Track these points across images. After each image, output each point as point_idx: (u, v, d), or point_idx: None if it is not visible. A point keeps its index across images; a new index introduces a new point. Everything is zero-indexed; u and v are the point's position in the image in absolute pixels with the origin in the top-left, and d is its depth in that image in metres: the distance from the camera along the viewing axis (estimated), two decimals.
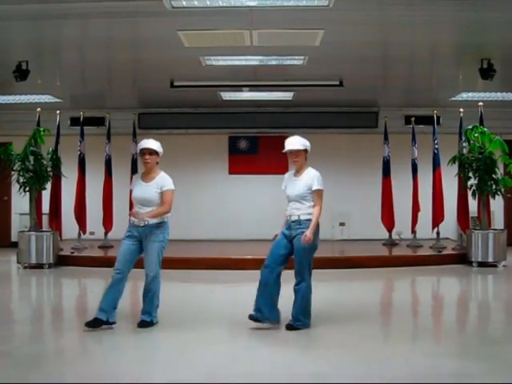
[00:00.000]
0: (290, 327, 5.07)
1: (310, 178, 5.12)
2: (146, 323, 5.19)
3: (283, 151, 5.18)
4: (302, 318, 5.12)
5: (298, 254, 5.08)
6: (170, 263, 8.90)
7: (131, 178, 10.54)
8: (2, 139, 10.89)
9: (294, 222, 5.07)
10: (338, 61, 8.45)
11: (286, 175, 5.33)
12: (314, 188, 5.07)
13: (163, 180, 5.28)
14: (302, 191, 5.08)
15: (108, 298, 5.15)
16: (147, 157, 5.22)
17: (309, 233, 4.94)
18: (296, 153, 5.11)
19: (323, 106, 11.58)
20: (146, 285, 5.28)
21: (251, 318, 5.05)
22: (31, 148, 9.15)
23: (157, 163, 5.33)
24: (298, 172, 5.20)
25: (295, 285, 5.15)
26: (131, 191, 5.38)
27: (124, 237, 5.26)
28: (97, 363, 4.27)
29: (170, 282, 8.00)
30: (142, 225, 5.15)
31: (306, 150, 5.18)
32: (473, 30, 6.98)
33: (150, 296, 5.27)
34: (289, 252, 5.14)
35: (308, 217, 5.04)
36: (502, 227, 10.21)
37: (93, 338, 4.97)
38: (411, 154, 10.63)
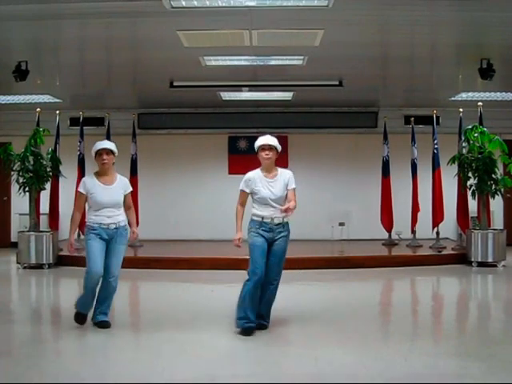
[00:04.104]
0: (265, 327, 5.05)
1: (287, 178, 5.07)
2: (108, 323, 5.15)
3: (255, 146, 5.10)
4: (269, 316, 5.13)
5: (281, 255, 5.03)
6: (170, 263, 8.97)
7: (130, 179, 10.68)
8: (2, 139, 10.90)
9: (277, 224, 4.99)
10: (338, 61, 8.45)
11: (251, 175, 5.09)
12: (291, 187, 5.05)
13: (125, 182, 5.30)
14: (282, 194, 5.02)
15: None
16: (105, 157, 5.11)
17: (290, 206, 4.91)
18: (270, 148, 5.04)
19: (323, 106, 11.59)
20: (110, 287, 5.11)
21: (250, 330, 4.91)
22: (31, 148, 9.14)
23: (113, 164, 5.23)
24: (268, 172, 5.07)
25: (271, 284, 5.04)
26: (80, 193, 5.15)
27: (90, 238, 5.08)
28: (96, 363, 4.28)
29: (170, 281, 8.04)
30: (113, 227, 5.08)
31: (277, 150, 5.11)
32: (473, 30, 6.98)
33: (111, 297, 5.19)
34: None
35: (287, 219, 5.05)
36: (502, 227, 10.20)
37: (92, 338, 4.97)
38: (411, 153, 10.64)
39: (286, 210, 4.89)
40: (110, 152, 5.16)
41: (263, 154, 5.06)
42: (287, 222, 5.07)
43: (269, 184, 5.04)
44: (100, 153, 5.14)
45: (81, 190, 5.17)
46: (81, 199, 5.18)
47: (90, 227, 5.11)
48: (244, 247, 5.03)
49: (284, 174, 5.11)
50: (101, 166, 5.17)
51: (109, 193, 5.11)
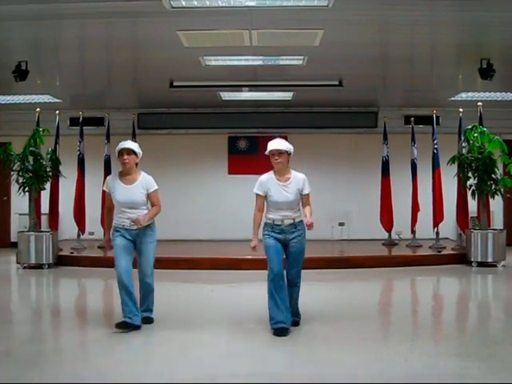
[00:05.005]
0: (297, 323, 5.19)
1: (301, 182, 5.09)
2: (152, 319, 5.36)
3: (266, 152, 5.11)
4: (299, 312, 5.26)
5: (297, 256, 5.10)
6: (170, 263, 8.96)
7: None
8: (2, 139, 10.91)
9: (288, 225, 5.05)
10: (338, 61, 8.45)
11: (264, 178, 5.11)
12: (305, 192, 5.10)
13: (149, 181, 5.29)
14: (295, 197, 5.06)
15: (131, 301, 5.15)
16: (126, 157, 5.15)
17: (312, 219, 4.97)
18: (279, 153, 5.03)
19: (323, 106, 11.59)
20: (146, 284, 5.33)
21: (281, 333, 4.90)
22: (30, 148, 9.14)
23: (136, 164, 5.28)
24: (280, 176, 5.08)
25: (293, 284, 5.14)
26: (104, 191, 5.32)
27: (115, 240, 5.18)
28: (96, 363, 4.28)
29: (170, 281, 8.03)
30: (134, 228, 5.15)
31: (289, 154, 5.10)
32: (473, 30, 6.99)
33: (151, 294, 5.40)
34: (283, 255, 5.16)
35: (300, 218, 5.11)
36: (502, 227, 10.20)
37: (92, 338, 4.97)
38: (411, 153, 10.64)
39: (309, 227, 4.96)
40: (131, 152, 5.18)
41: (273, 160, 5.07)
42: (300, 221, 5.09)
43: (282, 188, 5.04)
44: (122, 152, 5.18)
45: (104, 188, 5.31)
46: (106, 197, 5.35)
47: (115, 228, 5.25)
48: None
49: (298, 178, 5.10)
50: (122, 165, 5.22)
51: (126, 192, 5.15)
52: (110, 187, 5.21)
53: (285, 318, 4.94)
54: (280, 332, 4.87)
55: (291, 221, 5.04)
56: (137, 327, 5.08)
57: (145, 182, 5.24)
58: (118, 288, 5.10)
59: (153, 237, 5.28)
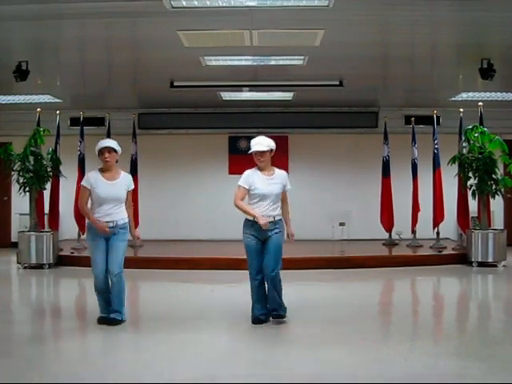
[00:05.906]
0: (280, 316, 5.26)
1: (284, 178, 5.33)
2: (118, 321, 5.23)
3: (249, 152, 5.26)
4: (283, 304, 5.32)
5: (274, 249, 5.17)
6: (170, 263, 8.98)
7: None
8: (2, 139, 10.91)
9: (269, 222, 5.15)
10: (338, 61, 8.44)
11: (250, 172, 5.30)
12: (288, 187, 5.33)
13: (129, 179, 5.46)
14: (280, 191, 5.25)
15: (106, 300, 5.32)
16: (107, 155, 5.28)
17: (293, 231, 5.39)
18: (262, 153, 5.22)
19: (323, 106, 11.58)
20: (114, 285, 5.24)
21: (255, 320, 5.25)
22: (31, 148, 9.15)
23: (116, 161, 5.41)
24: (265, 171, 5.28)
25: (270, 278, 5.17)
26: (84, 187, 5.28)
27: (90, 238, 5.29)
28: (96, 363, 4.28)
29: (170, 281, 8.05)
30: (110, 225, 5.20)
31: (271, 151, 5.28)
32: (473, 30, 6.98)
33: (118, 294, 5.27)
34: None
35: (280, 217, 5.27)
36: (502, 227, 10.20)
37: (92, 338, 4.98)
38: (411, 154, 10.63)
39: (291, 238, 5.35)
40: (112, 150, 5.32)
41: (256, 159, 5.27)
42: (280, 220, 5.27)
43: (267, 181, 5.22)
44: (102, 151, 5.31)
45: (84, 183, 5.34)
46: (85, 193, 5.32)
47: (89, 224, 5.30)
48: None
49: (281, 174, 5.35)
50: (104, 163, 5.34)
51: (110, 188, 5.26)
52: (92, 183, 5.27)
53: (261, 310, 5.26)
54: (256, 321, 5.23)
55: (271, 219, 5.17)
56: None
57: (127, 179, 5.43)
58: (94, 288, 5.28)
59: (125, 235, 5.33)
